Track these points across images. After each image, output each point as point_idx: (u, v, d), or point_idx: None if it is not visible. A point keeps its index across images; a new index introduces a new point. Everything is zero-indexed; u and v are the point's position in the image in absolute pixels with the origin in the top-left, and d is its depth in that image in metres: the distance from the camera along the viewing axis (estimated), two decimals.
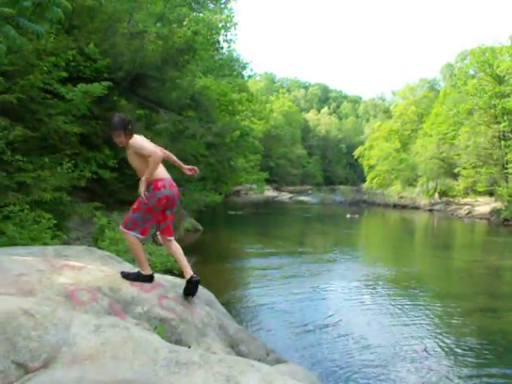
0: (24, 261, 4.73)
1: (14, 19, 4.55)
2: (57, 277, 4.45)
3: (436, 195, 46.35)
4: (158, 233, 5.18)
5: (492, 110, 38.79)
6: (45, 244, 7.87)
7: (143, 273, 4.91)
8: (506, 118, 37.91)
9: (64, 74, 12.04)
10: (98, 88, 12.33)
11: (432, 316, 10.56)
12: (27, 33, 5.15)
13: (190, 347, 4.05)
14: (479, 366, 7.79)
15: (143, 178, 4.71)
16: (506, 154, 37.54)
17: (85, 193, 12.90)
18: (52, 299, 3.93)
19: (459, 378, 7.32)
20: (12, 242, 7.94)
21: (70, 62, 12.76)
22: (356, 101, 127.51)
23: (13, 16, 4.50)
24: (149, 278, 4.93)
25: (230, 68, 34.02)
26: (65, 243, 8.93)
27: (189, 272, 4.97)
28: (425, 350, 8.43)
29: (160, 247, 11.16)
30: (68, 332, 3.16)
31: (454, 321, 10.25)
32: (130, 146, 4.76)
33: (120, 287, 4.52)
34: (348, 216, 33.36)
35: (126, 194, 14.00)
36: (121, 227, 4.94)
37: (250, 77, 52.23)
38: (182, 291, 4.93)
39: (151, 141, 4.93)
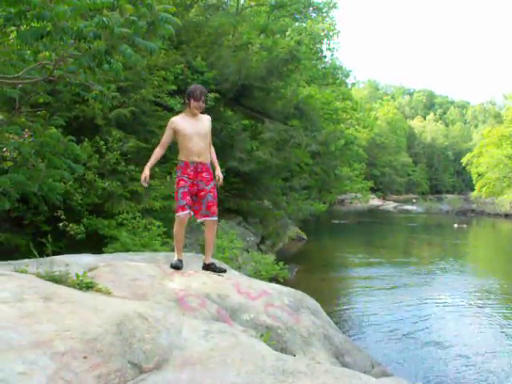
0: (137, 266, 4.96)
1: (129, 38, 4.82)
2: (168, 282, 4.63)
3: None
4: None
5: None
6: (155, 250, 8.20)
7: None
8: None
9: (173, 87, 12.51)
10: None
11: None
12: (140, 50, 5.42)
13: (295, 356, 4.07)
14: None
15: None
16: None
17: None
18: (163, 304, 4.09)
19: None
20: (125, 248, 8.34)
21: (178, 75, 13.23)
22: (463, 106, 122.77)
23: (129, 35, 4.78)
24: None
25: (334, 76, 33.83)
26: (173, 250, 9.24)
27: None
28: None
29: (265, 255, 11.28)
30: (179, 336, 3.27)
31: None
32: (208, 119, 5.47)
33: (228, 294, 4.62)
34: (455, 226, 32.08)
35: (232, 203, 14.28)
36: (215, 218, 5.37)
37: (353, 85, 51.77)
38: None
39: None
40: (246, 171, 14.18)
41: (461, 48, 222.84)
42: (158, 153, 5.38)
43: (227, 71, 15.48)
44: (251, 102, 16.54)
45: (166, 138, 5.36)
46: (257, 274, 10.01)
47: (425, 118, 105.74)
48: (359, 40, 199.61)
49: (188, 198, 5.18)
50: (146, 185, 5.15)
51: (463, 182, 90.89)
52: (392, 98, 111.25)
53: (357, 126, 37.85)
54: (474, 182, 62.21)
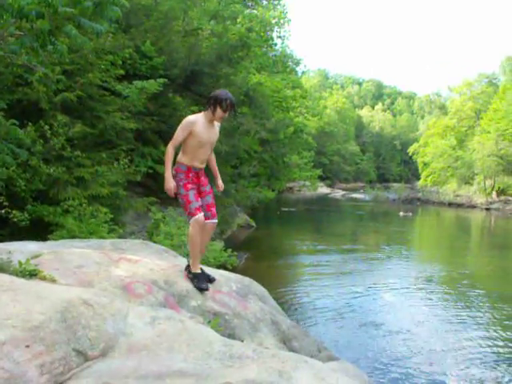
0: (83, 253, 4.88)
1: (75, 19, 4.68)
2: (114, 269, 4.57)
3: (494, 194, 44.95)
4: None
5: None
6: (102, 237, 8.08)
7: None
8: None
9: (121, 72, 12.30)
10: (153, 85, 12.55)
11: (487, 318, 10.27)
12: (87, 32, 5.27)
13: (243, 341, 4.09)
14: None
15: None
16: None
17: (140, 188, 13.15)
18: (109, 290, 4.04)
19: None
20: (71, 235, 8.20)
21: (126, 59, 13.02)
22: (411, 97, 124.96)
23: (74, 16, 4.64)
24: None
25: (284, 64, 33.92)
26: (120, 237, 9.12)
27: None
28: (478, 353, 8.23)
29: (214, 242, 11.26)
30: (125, 323, 3.24)
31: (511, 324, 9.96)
32: (218, 127, 5.07)
33: (175, 280, 4.60)
34: (401, 214, 32.78)
35: None
36: (216, 220, 4.99)
37: (303, 73, 52.01)
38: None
39: None
40: None
41: (409, 40, 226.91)
42: (172, 153, 4.69)
43: (177, 56, 15.33)
44: (200, 88, 16.39)
45: (181, 137, 4.70)
46: (205, 261, 9.99)
47: (373, 108, 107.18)
48: (310, 29, 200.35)
49: (200, 199, 4.77)
50: (173, 195, 4.67)
51: (410, 171, 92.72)
52: (341, 87, 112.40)
53: (306, 115, 38.10)
54: (419, 172, 63.71)
